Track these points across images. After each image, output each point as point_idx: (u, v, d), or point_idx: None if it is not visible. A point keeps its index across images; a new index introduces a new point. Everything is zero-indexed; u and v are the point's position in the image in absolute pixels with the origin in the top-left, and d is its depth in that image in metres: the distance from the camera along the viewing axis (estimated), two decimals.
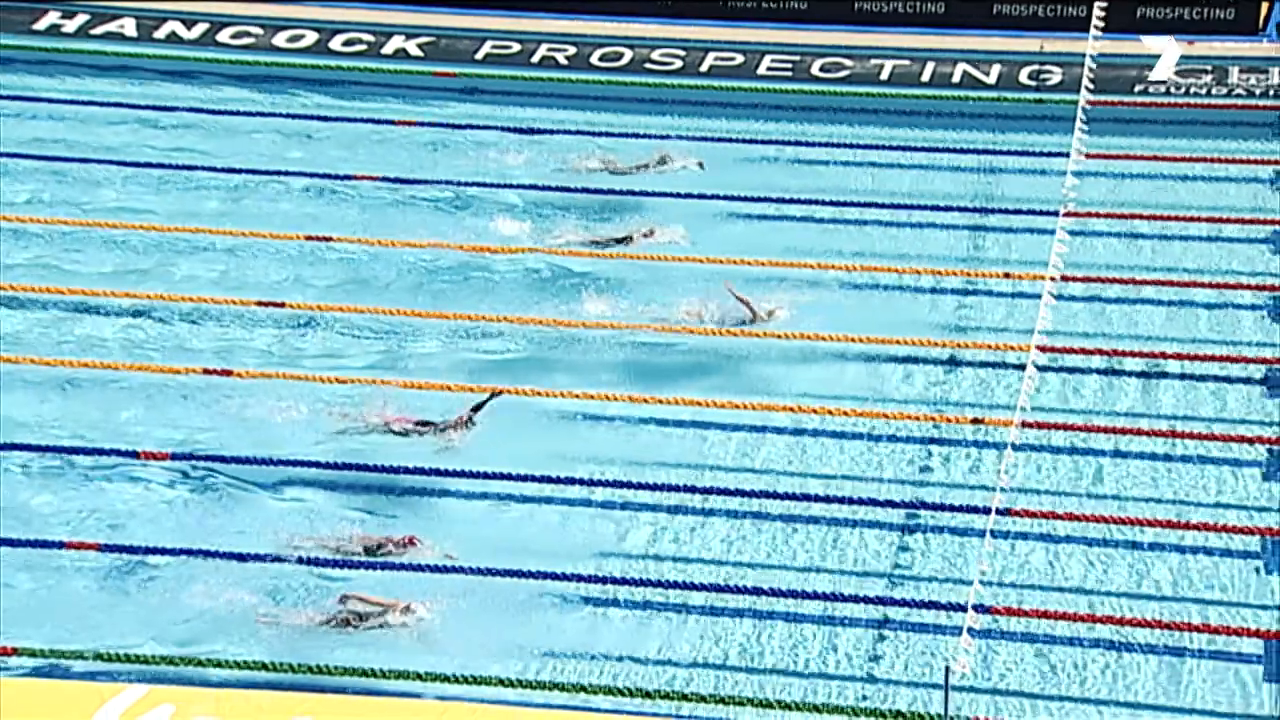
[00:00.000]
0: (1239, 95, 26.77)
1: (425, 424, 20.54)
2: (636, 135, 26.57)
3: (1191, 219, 24.28)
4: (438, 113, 27.37)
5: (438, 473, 19.77)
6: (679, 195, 24.97)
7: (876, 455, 20.47)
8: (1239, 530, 19.14)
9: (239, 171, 25.66)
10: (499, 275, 23.39)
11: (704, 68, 28.24)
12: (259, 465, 19.97)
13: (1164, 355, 21.65)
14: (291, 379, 21.26)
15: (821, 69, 28.04)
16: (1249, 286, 23.00)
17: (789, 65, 28.16)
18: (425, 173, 25.84)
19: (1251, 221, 24.24)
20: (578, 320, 22.36)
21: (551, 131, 26.76)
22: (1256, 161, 25.47)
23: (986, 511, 18.67)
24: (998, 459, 19.36)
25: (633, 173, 25.30)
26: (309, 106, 27.62)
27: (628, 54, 28.59)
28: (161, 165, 25.71)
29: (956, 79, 27.61)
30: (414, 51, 28.82)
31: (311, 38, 29.12)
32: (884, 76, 27.77)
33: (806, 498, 19.65)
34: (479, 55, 28.74)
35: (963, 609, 17.39)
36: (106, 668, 17.54)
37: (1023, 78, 27.52)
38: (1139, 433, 20.45)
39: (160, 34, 29.15)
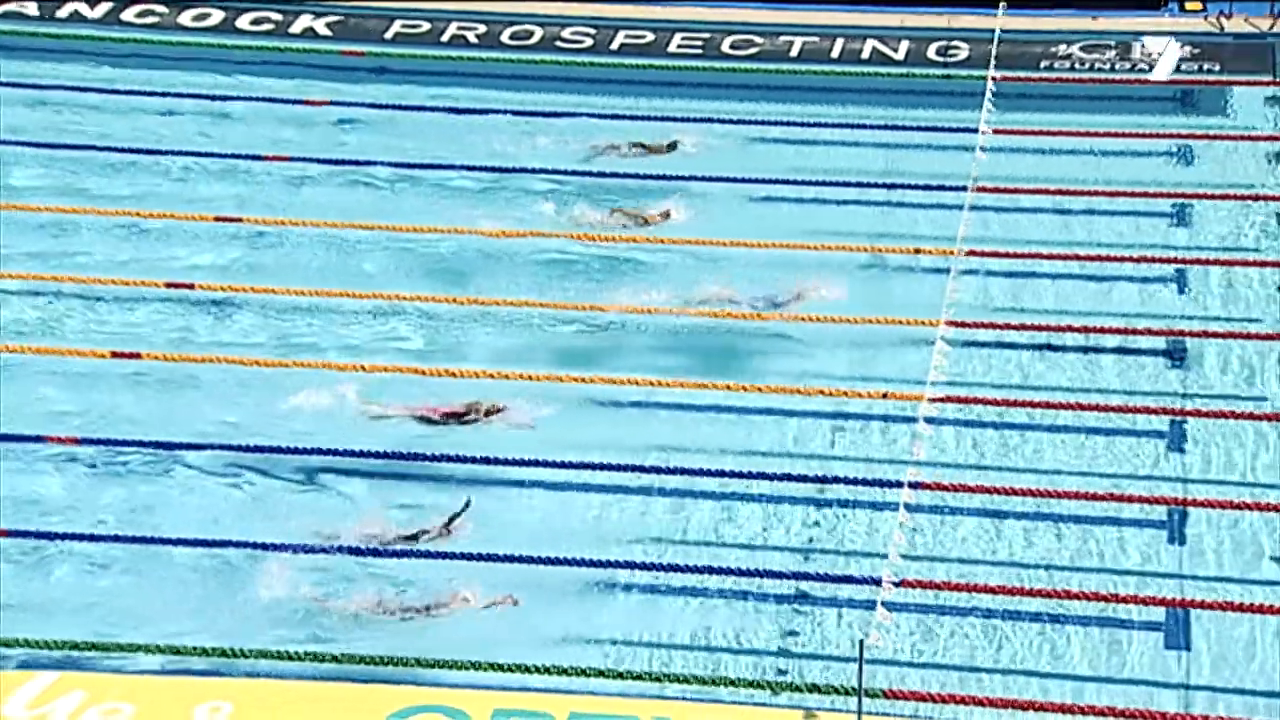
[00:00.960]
0: (1143, 70, 27.16)
1: (455, 414, 20.53)
2: (549, 114, 26.59)
3: (1097, 193, 24.63)
4: (348, 92, 27.37)
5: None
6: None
7: (788, 430, 20.69)
8: (1145, 500, 19.51)
9: (143, 152, 25.56)
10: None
11: (614, 46, 28.29)
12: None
13: (1071, 329, 22.00)
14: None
15: (732, 46, 28.17)
16: (1154, 260, 23.39)
17: (699, 43, 28.27)
18: (338, 153, 25.88)
19: (1156, 195, 24.62)
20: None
21: (464, 111, 26.78)
22: (1160, 135, 25.86)
23: (899, 485, 18.96)
24: (909, 432, 19.62)
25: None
26: (217, 86, 27.47)
27: (538, 32, 28.59)
28: (56, 146, 25.45)
29: (866, 55, 27.84)
30: (322, 30, 28.71)
31: (218, 16, 28.94)
32: (794, 54, 27.95)
33: (718, 473, 19.86)
34: (388, 34, 28.67)
35: (876, 582, 17.65)
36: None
37: (931, 54, 27.78)
38: (1048, 405, 20.78)
39: (63, 13, 28.85)
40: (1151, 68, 27.11)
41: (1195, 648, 17.84)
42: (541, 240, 23.59)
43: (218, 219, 24.31)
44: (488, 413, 20.44)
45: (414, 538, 18.92)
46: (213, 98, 27.01)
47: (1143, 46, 27.51)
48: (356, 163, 25.35)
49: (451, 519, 18.93)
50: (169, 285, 22.76)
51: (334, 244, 23.93)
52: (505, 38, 28.46)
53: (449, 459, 19.78)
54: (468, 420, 20.44)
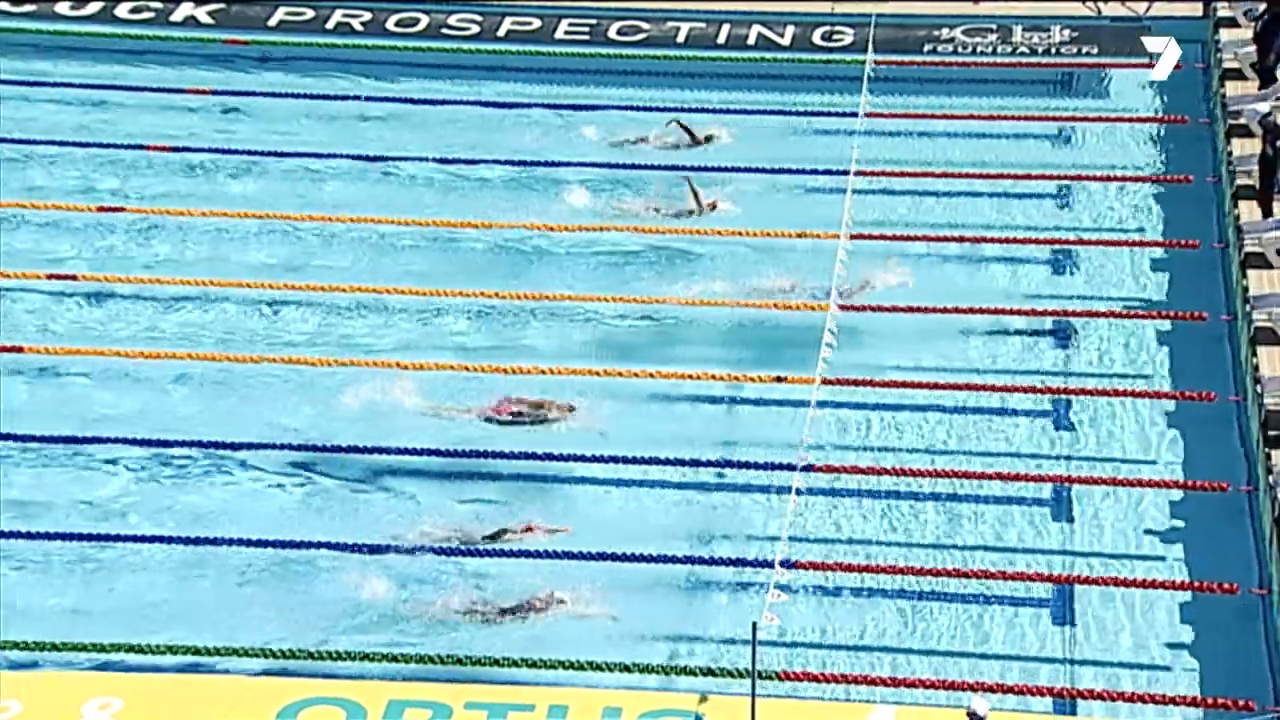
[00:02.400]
0: (1023, 54, 27.51)
1: (524, 412, 20.41)
2: (432, 102, 26.53)
3: (979, 175, 24.92)
4: (230, 81, 27.15)
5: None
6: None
7: (678, 415, 20.81)
8: (1032, 479, 19.80)
9: (23, 142, 25.23)
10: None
11: (501, 33, 28.25)
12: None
13: (958, 310, 22.25)
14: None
15: (619, 32, 28.22)
16: (1036, 241, 23.71)
17: (586, 29, 28.29)
18: (223, 142, 25.70)
19: (1037, 177, 24.95)
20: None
21: (345, 98, 26.67)
22: (1040, 118, 26.21)
23: (791, 468, 19.11)
24: (800, 417, 19.78)
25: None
26: (99, 76, 27.14)
27: (424, 20, 28.49)
28: None
29: (752, 41, 27.99)
30: (203, 19, 28.43)
31: (96, 5, 28.56)
32: (680, 40, 28.04)
33: (613, 460, 19.96)
34: (271, 22, 28.44)
35: (769, 565, 17.80)
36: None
37: (815, 39, 27.98)
38: (936, 386, 21.02)
39: None
40: (1032, 51, 27.42)
41: (1080, 623, 18.17)
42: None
43: (101, 209, 24.18)
44: (558, 410, 20.42)
45: (494, 537, 18.83)
46: (94, 86, 26.77)
47: (1022, 30, 27.88)
48: (249, 153, 25.31)
49: (548, 528, 18.85)
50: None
51: (220, 236, 23.90)
52: (391, 25, 28.34)
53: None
54: (537, 419, 20.42)
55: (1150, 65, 26.77)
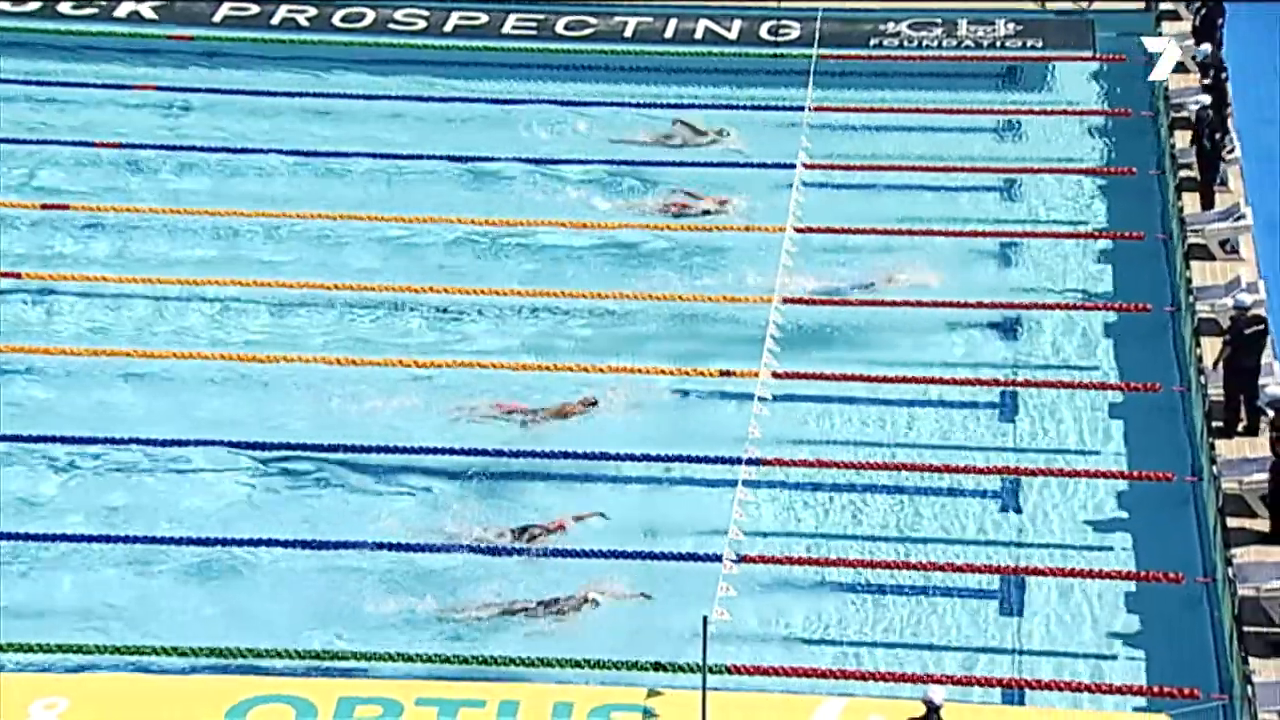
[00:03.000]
0: (968, 47, 27.64)
1: (535, 410, 20.32)
2: (374, 97, 26.42)
3: (924, 169, 25.02)
4: (175, 77, 27.02)
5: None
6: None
7: (629, 409, 20.83)
8: (980, 471, 19.91)
9: None
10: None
11: (448, 28, 28.20)
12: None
13: (905, 303, 22.35)
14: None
15: (566, 27, 28.21)
16: (981, 234, 23.83)
17: (533, 24, 28.26)
18: (166, 138, 25.56)
19: (983, 170, 25.07)
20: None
21: (290, 94, 26.57)
22: (985, 111, 26.34)
23: (738, 462, 19.17)
24: (747, 410, 19.82)
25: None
26: (41, 73, 26.94)
27: (370, 14, 28.39)
28: None
29: (699, 35, 28.03)
30: (147, 14, 28.27)
31: (37, 3, 28.29)
32: (628, 34, 28.05)
33: (574, 456, 19.96)
34: (216, 18, 28.31)
35: (718, 559, 17.84)
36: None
37: (762, 33, 28.05)
38: (884, 380, 21.10)
39: None
40: (977, 45, 27.55)
41: (1029, 613, 18.28)
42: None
43: (44, 206, 24.01)
44: (583, 405, 20.32)
45: (523, 535, 18.79)
46: (37, 83, 26.57)
47: (967, 24, 28.01)
48: (193, 148, 25.18)
49: (576, 518, 18.83)
50: None
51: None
52: (336, 20, 28.24)
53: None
54: (559, 415, 20.31)
55: (1096, 58, 26.97)
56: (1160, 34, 25.54)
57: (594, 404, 20.40)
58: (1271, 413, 18.34)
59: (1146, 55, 25.36)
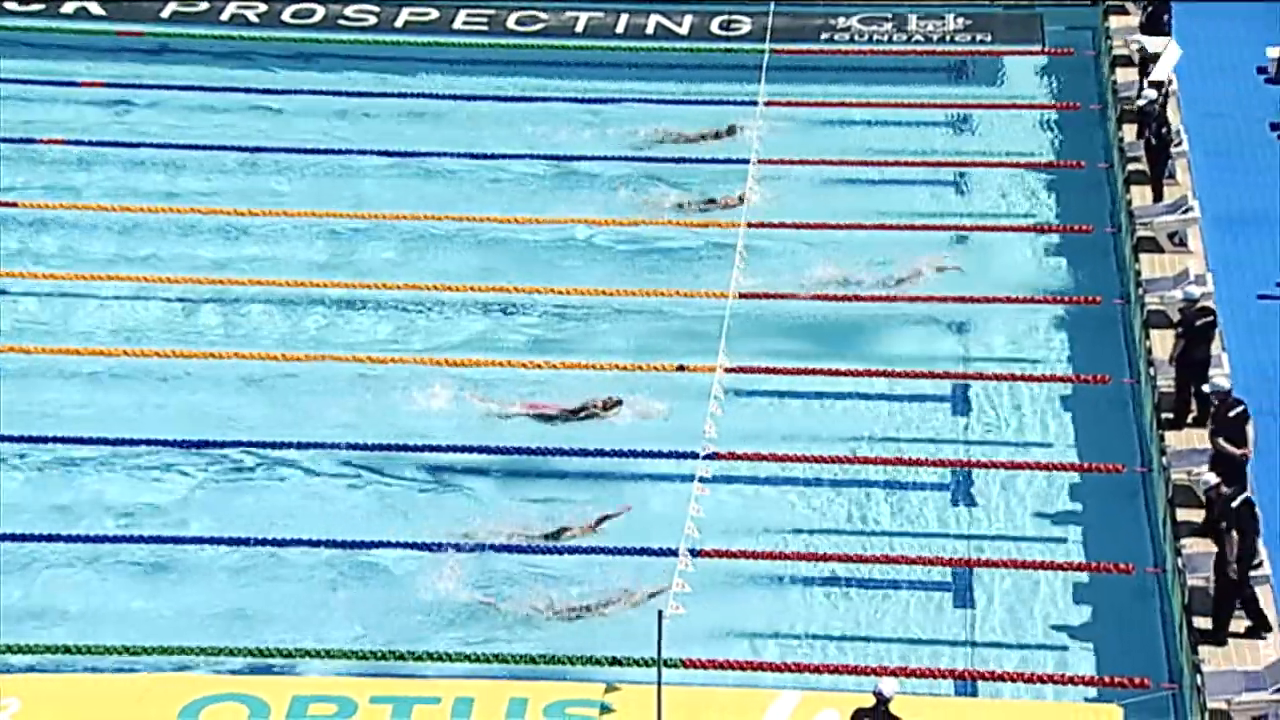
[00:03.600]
0: (918, 41, 27.75)
1: (571, 409, 20.26)
2: (320, 92, 26.34)
3: (875, 163, 25.09)
4: (124, 73, 26.88)
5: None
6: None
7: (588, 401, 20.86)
8: (932, 463, 19.99)
9: None
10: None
11: (399, 23, 28.13)
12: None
13: (856, 298, 22.43)
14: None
15: (517, 22, 28.18)
16: (932, 227, 23.93)
17: (484, 19, 28.22)
18: (113, 135, 25.43)
19: (933, 164, 25.16)
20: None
21: (239, 90, 26.45)
22: (935, 105, 26.44)
23: (695, 456, 19.19)
24: (703, 405, 19.85)
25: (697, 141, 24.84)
26: None
27: (320, 11, 28.31)
28: None
29: (650, 30, 28.05)
30: (95, 10, 28.10)
31: None
32: (579, 29, 28.05)
33: (515, 451, 19.97)
34: (164, 14, 28.17)
35: (674, 553, 17.87)
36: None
37: (714, 28, 28.08)
38: (833, 373, 21.17)
39: None
40: (927, 39, 27.65)
41: (981, 605, 18.38)
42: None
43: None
44: (605, 406, 20.26)
45: (556, 535, 18.73)
46: None
47: (917, 18, 28.12)
48: (144, 145, 25.02)
49: (602, 518, 18.75)
50: None
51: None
52: (286, 16, 28.13)
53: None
54: (585, 415, 20.24)
55: (1045, 52, 27.11)
56: (1166, 33, 25.49)
57: (617, 404, 20.35)
58: (1216, 402, 18.48)
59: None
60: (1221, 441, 18.07)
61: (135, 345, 21.50)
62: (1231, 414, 18.22)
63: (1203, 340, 19.67)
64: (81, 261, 23.02)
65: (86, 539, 18.62)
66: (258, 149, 25.07)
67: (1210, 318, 19.88)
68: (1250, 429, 18.16)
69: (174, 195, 24.33)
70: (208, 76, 26.93)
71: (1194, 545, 17.94)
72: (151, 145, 25.17)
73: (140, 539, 18.63)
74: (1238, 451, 18.04)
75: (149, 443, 19.70)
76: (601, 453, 19.69)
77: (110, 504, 19.24)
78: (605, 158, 25.07)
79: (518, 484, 19.56)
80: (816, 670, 17.40)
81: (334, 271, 22.94)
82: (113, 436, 19.89)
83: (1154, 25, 25.54)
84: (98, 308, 22.32)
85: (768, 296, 22.23)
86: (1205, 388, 18.84)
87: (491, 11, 28.33)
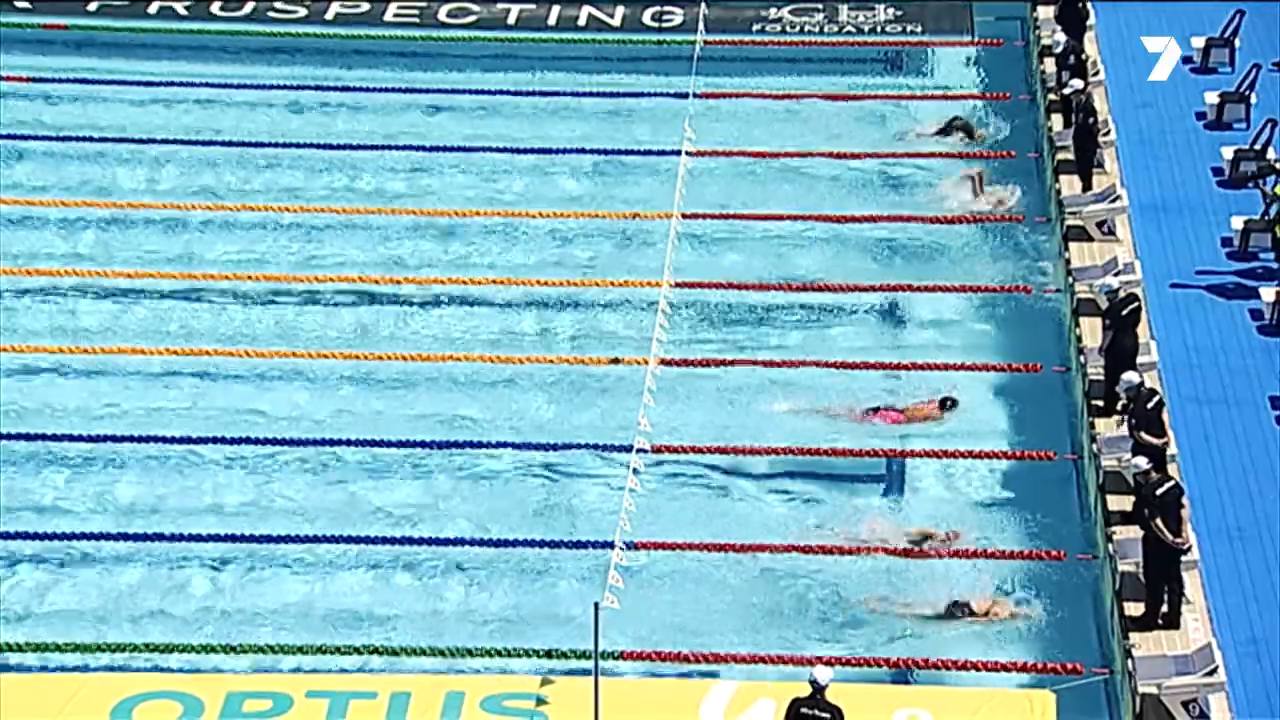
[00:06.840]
0: (849, 32, 27.85)
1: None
2: (258, 86, 26.24)
3: (806, 155, 25.14)
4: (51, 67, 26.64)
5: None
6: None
7: (512, 398, 20.81)
8: (865, 454, 20.07)
9: None
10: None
11: (329, 16, 28.00)
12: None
13: (790, 288, 22.50)
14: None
15: (448, 14, 28.09)
16: (865, 219, 24.01)
17: (416, 11, 28.12)
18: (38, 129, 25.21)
19: (865, 156, 25.24)
20: None
21: (174, 84, 26.25)
22: (867, 96, 26.53)
23: (629, 450, 19.21)
24: (637, 398, 19.87)
25: None
26: None
27: (250, 3, 28.15)
28: None
29: (582, 22, 28.02)
30: (20, 3, 27.81)
31: None
32: (511, 21, 27.98)
33: (476, 445, 19.92)
34: (91, 7, 27.91)
35: (610, 546, 17.88)
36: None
37: (646, 19, 28.08)
38: (769, 364, 21.23)
39: None
40: (859, 30, 27.76)
41: (915, 592, 18.44)
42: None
43: None
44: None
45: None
46: None
47: (848, 9, 28.23)
48: (66, 139, 24.84)
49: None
50: None
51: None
52: (215, 9, 27.95)
53: None
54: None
55: (975, 43, 27.25)
56: (1164, 36, 25.64)
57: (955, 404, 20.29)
58: (1129, 397, 18.63)
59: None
60: (1142, 434, 18.23)
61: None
62: (1149, 404, 18.39)
63: (1130, 328, 19.84)
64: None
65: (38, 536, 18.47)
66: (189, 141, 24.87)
67: (1136, 304, 20.05)
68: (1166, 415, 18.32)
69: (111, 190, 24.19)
70: (133, 68, 26.71)
71: (1125, 532, 18.10)
72: (74, 138, 24.91)
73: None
74: (1158, 441, 18.21)
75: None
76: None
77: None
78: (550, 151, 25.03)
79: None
80: (750, 660, 17.44)
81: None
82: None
83: (1069, 15, 25.71)
84: None
85: (701, 286, 22.26)
86: (1117, 387, 18.96)
87: (423, 4, 28.23)
